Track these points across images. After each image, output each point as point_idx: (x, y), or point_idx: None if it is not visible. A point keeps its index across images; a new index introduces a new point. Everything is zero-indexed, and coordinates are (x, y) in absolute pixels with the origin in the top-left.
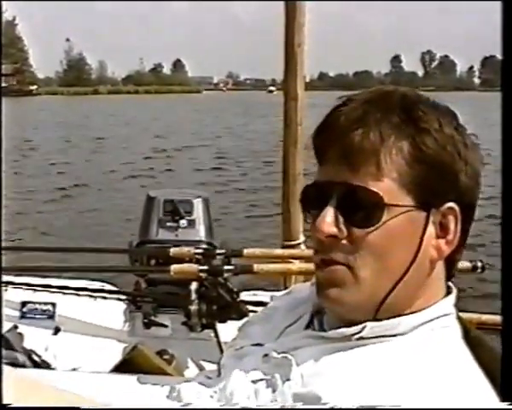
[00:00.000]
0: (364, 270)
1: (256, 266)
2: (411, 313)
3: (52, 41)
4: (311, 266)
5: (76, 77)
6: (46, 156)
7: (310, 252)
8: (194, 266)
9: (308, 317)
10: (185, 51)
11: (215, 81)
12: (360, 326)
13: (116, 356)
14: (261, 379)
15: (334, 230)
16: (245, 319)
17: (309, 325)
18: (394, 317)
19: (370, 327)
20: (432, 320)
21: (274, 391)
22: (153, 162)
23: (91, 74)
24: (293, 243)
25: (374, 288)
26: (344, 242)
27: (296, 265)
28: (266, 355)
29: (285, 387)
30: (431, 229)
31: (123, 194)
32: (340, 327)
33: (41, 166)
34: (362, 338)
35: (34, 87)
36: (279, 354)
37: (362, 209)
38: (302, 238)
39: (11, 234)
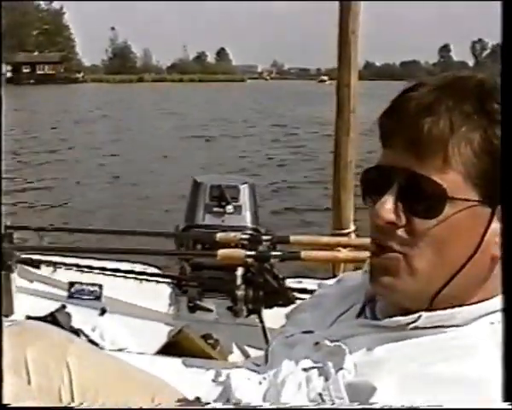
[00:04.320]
0: (420, 261)
1: (303, 253)
2: (469, 305)
3: (98, 29)
4: (359, 254)
5: (121, 65)
6: (93, 143)
7: (358, 240)
8: (241, 252)
9: (360, 305)
10: (229, 40)
11: (259, 70)
12: (415, 315)
13: (161, 338)
14: (313, 367)
15: (392, 217)
16: (291, 306)
17: (361, 314)
18: (450, 308)
19: (426, 317)
20: (490, 313)
21: (326, 380)
22: (198, 148)
23: (136, 62)
24: (343, 231)
25: (428, 279)
26: (402, 230)
27: (344, 253)
28: (317, 343)
29: (338, 376)
30: (495, 226)
31: (168, 179)
32: (393, 316)
33: (88, 152)
34: (417, 328)
35: (80, 75)
36: (331, 342)
37: (424, 200)
38: (352, 227)
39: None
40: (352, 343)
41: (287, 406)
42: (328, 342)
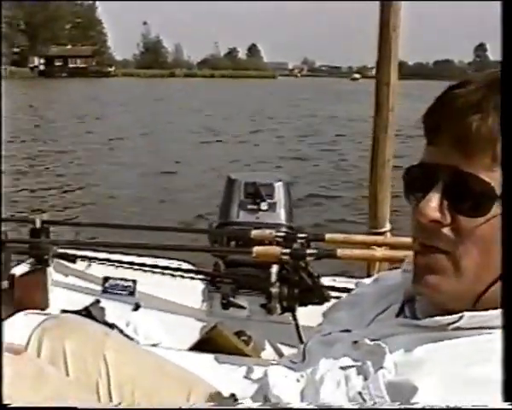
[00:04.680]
0: (466, 260)
1: (339, 251)
2: None
3: (130, 24)
4: (395, 253)
5: (152, 60)
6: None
7: (394, 239)
8: (276, 249)
9: (399, 305)
10: (260, 36)
11: (290, 67)
12: (457, 316)
13: (194, 335)
14: (351, 366)
15: (437, 215)
16: (326, 305)
17: (400, 313)
18: (492, 309)
19: (468, 317)
20: None
21: (365, 379)
22: (231, 144)
23: (167, 57)
24: (379, 230)
25: (474, 279)
26: (447, 229)
27: (381, 251)
28: (356, 342)
29: (378, 375)
30: None
31: (196, 173)
32: (434, 316)
33: (118, 146)
34: (459, 328)
35: (112, 69)
36: (371, 341)
37: (470, 198)
38: (388, 226)
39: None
40: (392, 343)
41: (324, 406)
42: (367, 341)
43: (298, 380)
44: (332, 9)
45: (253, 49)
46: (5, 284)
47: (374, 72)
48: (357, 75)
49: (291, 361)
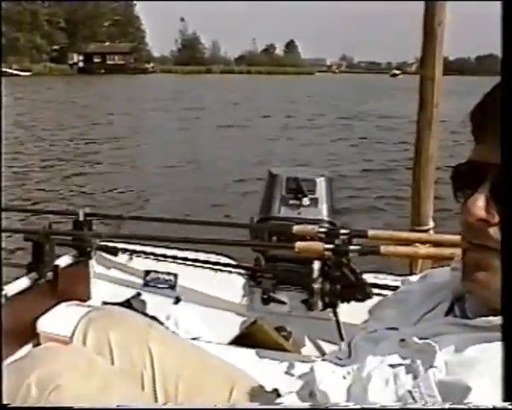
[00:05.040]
0: None
1: (383, 248)
2: None
3: (167, 21)
4: (440, 250)
5: (190, 56)
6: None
7: (438, 236)
8: (319, 244)
9: (448, 303)
10: (298, 32)
11: (328, 63)
12: None
13: (234, 329)
14: (400, 364)
15: (484, 214)
16: (368, 302)
17: (449, 312)
18: None
19: None
20: None
21: (415, 377)
22: (272, 139)
23: (204, 54)
24: (422, 228)
25: None
26: (494, 227)
27: (425, 249)
28: (403, 340)
29: (429, 374)
30: None
31: (234, 168)
32: (485, 315)
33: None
34: None
35: (150, 65)
36: (419, 339)
37: None
38: (431, 224)
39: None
40: (441, 342)
41: (369, 405)
42: (415, 340)
43: (344, 377)
44: (371, 5)
45: (290, 46)
46: (49, 275)
47: (414, 68)
48: (397, 71)
49: (337, 357)
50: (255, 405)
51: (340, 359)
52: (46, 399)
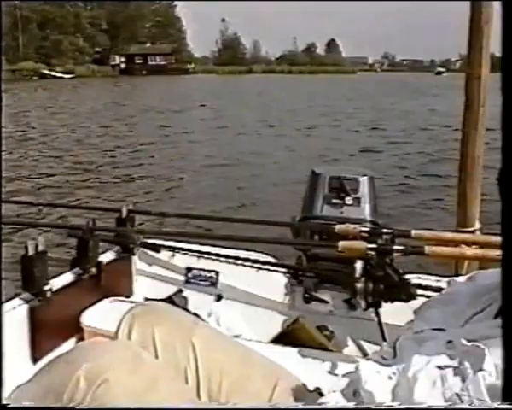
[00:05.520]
0: None
1: (427, 248)
2: None
3: (208, 21)
4: (487, 252)
5: (231, 56)
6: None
7: (485, 238)
8: (362, 244)
9: (497, 306)
10: (339, 31)
11: (370, 62)
12: None
13: (275, 327)
14: (447, 366)
15: None
16: (412, 302)
17: (499, 314)
18: None
19: None
20: None
21: (463, 380)
22: (303, 137)
23: (245, 54)
24: (468, 229)
25: None
26: None
27: (471, 250)
28: (450, 342)
29: (478, 377)
30: None
31: (272, 167)
32: None
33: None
34: None
35: (191, 66)
36: (468, 341)
37: None
38: (478, 225)
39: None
40: (490, 345)
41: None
42: (463, 341)
43: (390, 377)
44: (414, 2)
45: (331, 44)
46: (93, 270)
47: (458, 65)
48: (441, 69)
49: (381, 357)
50: (299, 404)
51: (385, 359)
52: (94, 392)
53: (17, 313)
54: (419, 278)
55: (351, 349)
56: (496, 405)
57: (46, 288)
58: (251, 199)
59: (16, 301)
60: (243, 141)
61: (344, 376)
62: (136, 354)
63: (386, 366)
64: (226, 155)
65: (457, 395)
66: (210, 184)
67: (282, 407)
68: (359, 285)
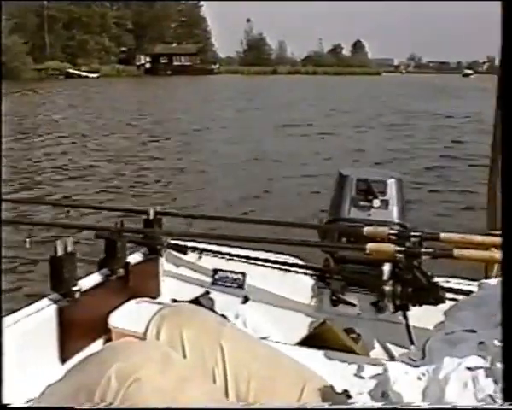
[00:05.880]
0: None
1: (456, 251)
2: None
3: (233, 21)
4: None
5: (256, 57)
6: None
7: None
8: (390, 246)
9: None
10: (365, 32)
11: (395, 63)
12: None
13: (302, 330)
14: (479, 367)
15: None
16: (440, 305)
17: None
18: None
19: None
20: None
21: (496, 382)
22: (336, 139)
23: (270, 54)
24: (498, 232)
25: None
26: None
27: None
28: (482, 343)
29: None
30: None
31: (297, 166)
32: None
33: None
34: None
35: (216, 66)
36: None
37: None
38: None
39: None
40: None
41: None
42: (496, 343)
43: (419, 378)
44: (440, 4)
45: (357, 46)
46: (121, 271)
47: (485, 67)
48: (469, 71)
49: (410, 358)
50: (328, 405)
51: (414, 360)
52: (125, 391)
53: (46, 313)
54: (447, 281)
55: (377, 352)
56: (496, 405)
57: (75, 288)
58: (273, 199)
59: (45, 301)
60: (268, 141)
61: (370, 378)
62: (166, 353)
63: (415, 367)
64: (250, 153)
65: (490, 396)
66: (234, 183)
67: (311, 408)
68: (387, 288)
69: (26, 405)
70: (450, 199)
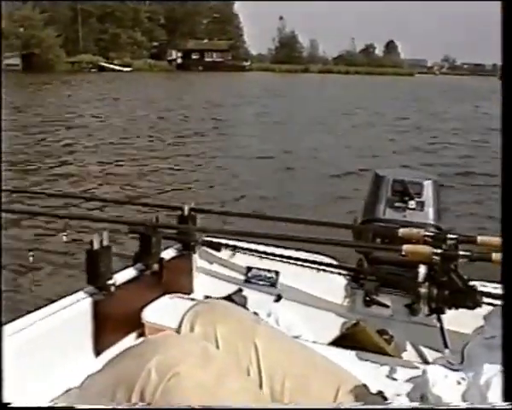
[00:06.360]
0: None
1: (494, 255)
2: None
3: (266, 18)
4: None
5: (287, 55)
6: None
7: None
8: (427, 248)
9: None
10: (399, 32)
11: (429, 64)
12: None
13: (334, 330)
14: None
15: None
16: (477, 310)
17: None
18: None
19: None
20: None
21: None
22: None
23: (302, 53)
24: None
25: None
26: None
27: None
28: None
29: None
30: None
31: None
32: None
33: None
34: None
35: (247, 63)
36: None
37: None
38: None
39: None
40: None
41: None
42: None
43: (459, 382)
44: (475, 4)
45: (390, 46)
46: (155, 266)
47: None
48: None
49: (448, 362)
50: (364, 406)
51: (452, 364)
52: (165, 385)
53: (81, 305)
54: (484, 285)
55: (410, 355)
56: (496, 405)
57: (110, 282)
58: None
59: (81, 294)
60: (299, 138)
61: (408, 380)
62: (204, 348)
63: (454, 371)
64: (280, 150)
65: None
66: (262, 180)
67: (348, 407)
68: (423, 290)
69: (64, 395)
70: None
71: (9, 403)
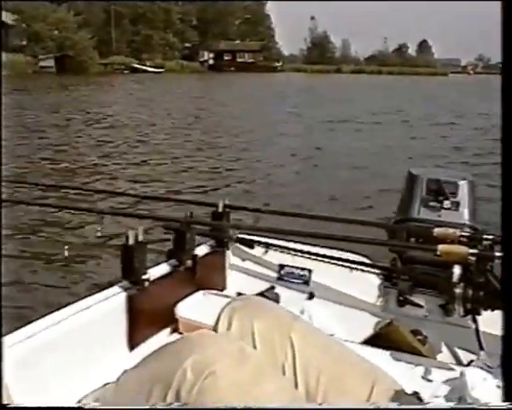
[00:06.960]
0: None
1: None
2: None
3: (297, 19)
4: None
5: (319, 55)
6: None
7: None
8: (462, 248)
9: None
10: (432, 32)
11: (463, 64)
12: None
13: (367, 329)
14: None
15: None
16: None
17: None
18: None
19: None
20: None
21: None
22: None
23: (334, 53)
24: None
25: None
26: None
27: None
28: None
29: None
30: None
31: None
32: None
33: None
34: None
35: (279, 64)
36: None
37: None
38: None
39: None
40: None
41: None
42: None
43: (498, 386)
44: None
45: (423, 45)
46: (189, 262)
47: None
48: None
49: (486, 365)
50: (402, 406)
51: (490, 367)
52: (201, 384)
53: (116, 300)
54: None
55: (444, 356)
56: (496, 405)
57: (144, 277)
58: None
59: (115, 288)
60: (322, 137)
61: (445, 382)
62: (240, 347)
63: (494, 374)
64: (312, 149)
65: None
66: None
67: (384, 408)
68: (458, 291)
69: (100, 389)
70: None
71: (8, 403)
